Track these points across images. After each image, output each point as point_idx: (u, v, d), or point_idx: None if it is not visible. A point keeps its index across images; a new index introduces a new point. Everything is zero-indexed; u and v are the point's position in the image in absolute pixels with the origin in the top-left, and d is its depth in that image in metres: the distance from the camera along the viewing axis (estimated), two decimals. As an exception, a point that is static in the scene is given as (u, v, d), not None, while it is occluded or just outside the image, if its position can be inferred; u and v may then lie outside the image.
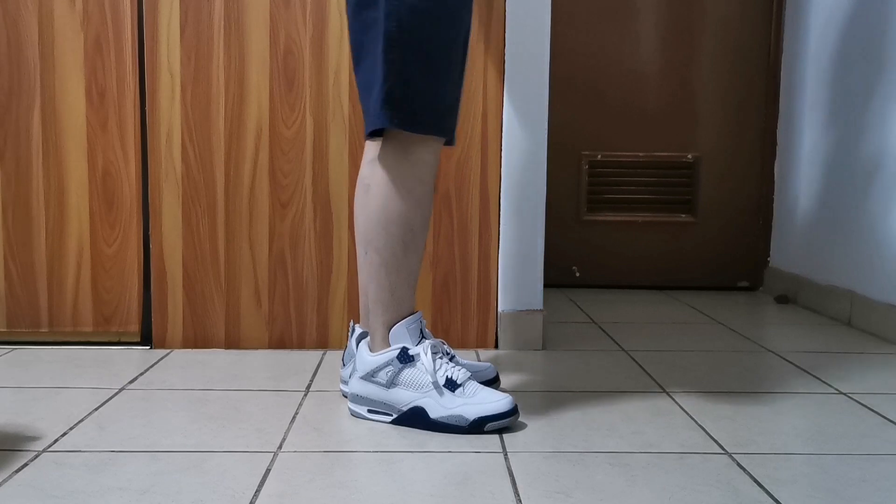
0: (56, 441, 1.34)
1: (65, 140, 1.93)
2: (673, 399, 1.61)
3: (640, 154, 2.94)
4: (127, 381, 1.69)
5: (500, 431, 1.40)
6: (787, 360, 1.93)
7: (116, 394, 1.60)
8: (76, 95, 1.92)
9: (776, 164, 2.93)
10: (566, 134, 2.92)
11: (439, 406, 1.41)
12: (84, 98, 1.92)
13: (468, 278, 1.99)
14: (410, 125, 1.36)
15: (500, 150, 1.96)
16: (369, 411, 1.46)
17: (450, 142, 1.45)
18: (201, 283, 1.96)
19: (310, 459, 1.28)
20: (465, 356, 1.93)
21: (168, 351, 1.95)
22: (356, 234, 1.57)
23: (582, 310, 2.55)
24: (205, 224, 1.95)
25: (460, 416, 1.39)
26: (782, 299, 2.74)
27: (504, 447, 1.34)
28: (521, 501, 1.13)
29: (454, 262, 1.98)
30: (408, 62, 1.34)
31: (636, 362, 1.90)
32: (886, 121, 2.24)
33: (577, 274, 2.98)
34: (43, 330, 1.97)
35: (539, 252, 2.00)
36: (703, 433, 1.41)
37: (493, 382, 1.65)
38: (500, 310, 2.00)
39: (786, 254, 2.84)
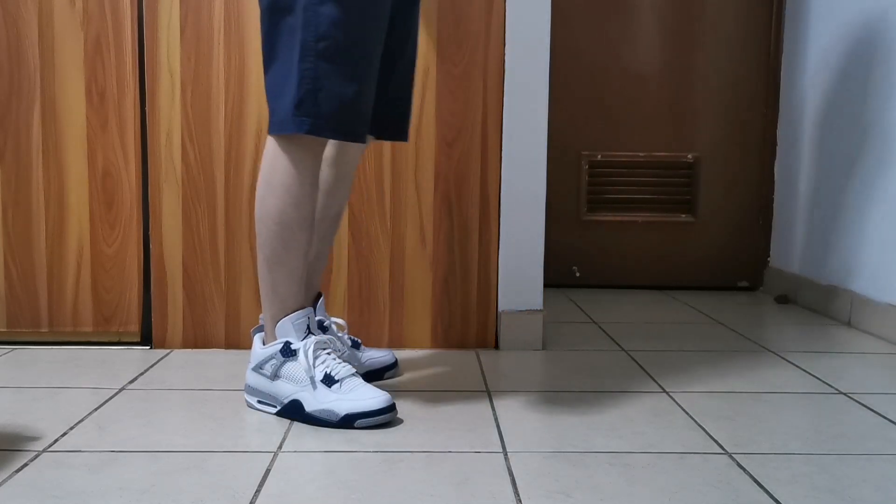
0: (56, 441, 1.34)
1: (65, 140, 1.93)
2: (673, 399, 1.61)
3: (640, 154, 2.94)
4: (127, 381, 1.69)
5: (374, 427, 1.42)
6: (787, 360, 1.93)
7: (116, 394, 1.60)
8: (76, 95, 1.92)
9: (776, 164, 2.93)
10: (566, 134, 2.92)
11: (314, 400, 1.44)
12: (84, 98, 1.92)
13: (468, 278, 1.99)
14: (320, 131, 1.39)
15: (500, 150, 1.96)
16: (259, 402, 1.51)
17: (361, 140, 1.46)
18: (201, 283, 1.96)
19: (310, 459, 1.28)
20: (466, 356, 1.93)
21: (168, 351, 1.95)
22: None
23: (582, 310, 2.55)
24: (205, 224, 1.95)
25: (331, 412, 1.42)
26: (782, 299, 2.74)
27: (504, 447, 1.34)
28: (521, 501, 1.13)
29: (454, 262, 1.98)
30: (322, 71, 1.37)
31: (636, 362, 1.90)
32: (886, 120, 2.24)
33: (577, 274, 2.98)
34: (43, 330, 1.97)
35: (539, 252, 2.00)
36: (703, 433, 1.41)
37: (390, 368, 1.73)
38: (500, 310, 2.00)
39: (786, 254, 2.84)
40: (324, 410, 1.43)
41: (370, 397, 1.43)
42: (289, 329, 1.47)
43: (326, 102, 1.38)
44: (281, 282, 1.47)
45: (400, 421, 1.46)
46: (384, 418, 1.43)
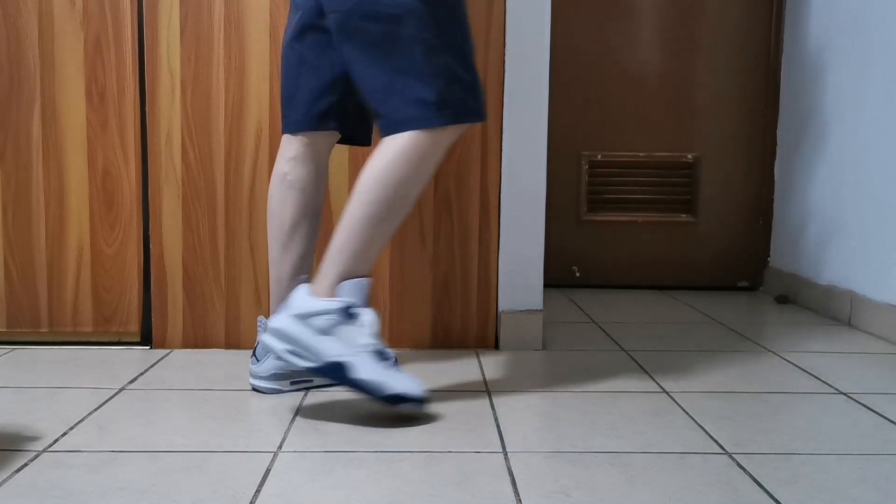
0: (56, 441, 1.34)
1: (65, 140, 1.93)
2: (673, 399, 1.61)
3: (640, 154, 2.94)
4: (127, 381, 1.69)
5: (409, 410, 1.47)
6: (786, 360, 1.93)
7: (116, 394, 1.60)
8: (76, 95, 1.92)
9: (776, 164, 2.93)
10: (566, 134, 2.92)
11: (367, 368, 1.43)
12: (84, 98, 1.92)
13: (468, 278, 1.99)
14: (463, 117, 1.45)
15: (500, 150, 1.96)
16: (289, 351, 1.44)
17: (484, 118, 1.52)
18: (201, 283, 1.96)
19: (310, 459, 1.28)
20: (466, 356, 1.93)
21: (168, 351, 1.95)
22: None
23: (582, 310, 2.55)
24: (205, 224, 1.95)
25: (381, 386, 1.43)
26: (782, 299, 2.74)
27: (504, 447, 1.34)
28: (520, 501, 1.13)
29: (454, 262, 1.98)
30: (448, 63, 1.44)
31: (636, 362, 1.90)
32: (886, 120, 2.24)
33: (577, 274, 2.98)
34: (43, 330, 1.98)
35: (539, 252, 2.00)
36: (703, 433, 1.41)
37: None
38: (500, 310, 2.00)
39: (786, 254, 2.84)
40: (374, 382, 1.43)
41: (414, 384, 1.46)
42: (355, 292, 1.45)
43: (462, 91, 1.45)
44: (369, 243, 1.45)
45: (400, 421, 1.46)
46: (421, 407, 1.47)
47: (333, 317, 1.43)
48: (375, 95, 1.45)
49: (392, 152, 1.43)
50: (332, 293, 1.45)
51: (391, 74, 1.42)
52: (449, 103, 1.43)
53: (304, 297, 1.45)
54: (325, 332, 1.43)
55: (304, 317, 1.44)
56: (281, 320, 1.45)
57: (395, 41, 1.42)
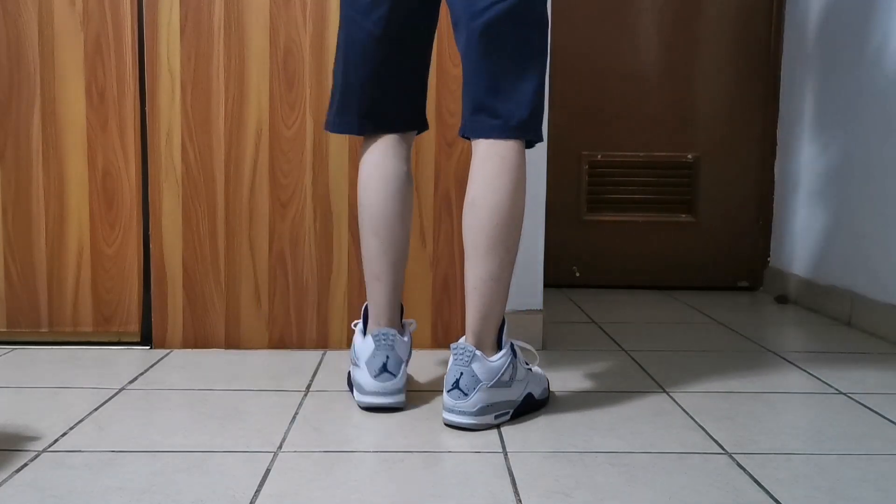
0: (56, 441, 1.34)
1: (65, 140, 1.93)
2: (673, 399, 1.61)
3: (640, 154, 2.94)
4: (127, 381, 1.69)
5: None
6: (787, 360, 1.93)
7: (116, 394, 1.60)
8: (76, 95, 1.92)
9: (776, 164, 2.93)
10: (566, 134, 2.92)
11: (537, 385, 1.52)
12: (84, 98, 1.92)
13: (468, 278, 1.98)
14: (540, 135, 1.46)
15: (500, 150, 1.96)
16: (497, 416, 1.44)
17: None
18: (201, 283, 1.96)
19: (310, 459, 1.28)
20: (465, 356, 1.93)
21: (168, 351, 1.95)
22: (476, 234, 1.43)
23: (582, 310, 2.55)
24: (205, 224, 1.95)
25: (540, 391, 1.53)
26: (782, 299, 2.74)
27: (504, 447, 1.34)
28: (521, 501, 1.13)
29: (454, 262, 1.98)
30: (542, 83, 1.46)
31: (636, 362, 1.90)
32: (886, 120, 2.24)
33: (577, 274, 2.98)
34: (43, 330, 1.98)
35: (539, 252, 2.00)
36: (703, 433, 1.41)
37: None
38: (500, 310, 2.00)
39: (786, 254, 2.84)
40: (542, 391, 1.54)
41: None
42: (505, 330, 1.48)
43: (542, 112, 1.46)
44: (508, 283, 1.47)
45: (400, 420, 1.46)
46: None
47: (510, 364, 1.45)
48: (499, 95, 1.42)
49: (513, 168, 1.41)
50: (499, 345, 1.46)
51: (521, 77, 1.42)
52: (539, 121, 1.45)
53: (488, 366, 1.42)
54: (512, 380, 1.45)
55: (498, 382, 1.43)
56: (479, 398, 1.41)
57: (535, 47, 1.43)
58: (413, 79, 1.56)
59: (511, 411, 1.45)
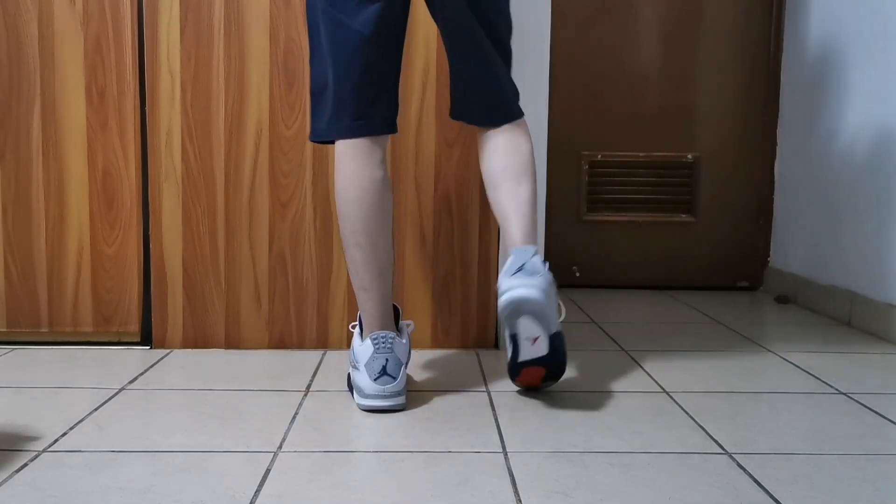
0: (56, 441, 1.34)
1: (65, 140, 1.93)
2: (673, 399, 1.61)
3: (640, 154, 2.94)
4: (127, 381, 1.69)
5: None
6: (786, 360, 1.93)
7: (116, 394, 1.60)
8: (76, 95, 1.92)
9: (776, 164, 2.93)
10: (566, 134, 2.92)
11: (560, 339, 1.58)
12: (84, 98, 1.92)
13: (468, 278, 1.99)
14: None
15: (500, 150, 1.96)
16: (556, 312, 1.48)
17: None
18: (201, 283, 1.96)
19: (310, 459, 1.28)
20: (465, 356, 1.93)
21: (168, 351, 1.95)
22: (512, 161, 1.55)
23: (582, 310, 2.55)
24: (205, 224, 1.95)
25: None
26: (782, 299, 2.74)
27: (504, 447, 1.34)
28: (520, 501, 1.13)
29: (454, 262, 1.98)
30: None
31: (636, 362, 1.90)
32: (886, 120, 2.24)
33: (577, 274, 2.98)
34: (43, 330, 1.98)
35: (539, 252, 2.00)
36: (703, 433, 1.41)
37: None
38: (500, 310, 2.00)
39: (786, 254, 2.84)
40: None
41: None
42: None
43: None
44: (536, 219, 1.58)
45: (400, 421, 1.46)
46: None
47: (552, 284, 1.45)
48: (500, 86, 1.57)
49: (524, 132, 1.58)
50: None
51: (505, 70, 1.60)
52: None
53: (540, 264, 1.42)
54: (555, 297, 1.46)
55: (552, 286, 1.44)
56: (547, 281, 1.42)
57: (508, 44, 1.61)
58: (396, 78, 1.56)
59: (555, 331, 1.47)
